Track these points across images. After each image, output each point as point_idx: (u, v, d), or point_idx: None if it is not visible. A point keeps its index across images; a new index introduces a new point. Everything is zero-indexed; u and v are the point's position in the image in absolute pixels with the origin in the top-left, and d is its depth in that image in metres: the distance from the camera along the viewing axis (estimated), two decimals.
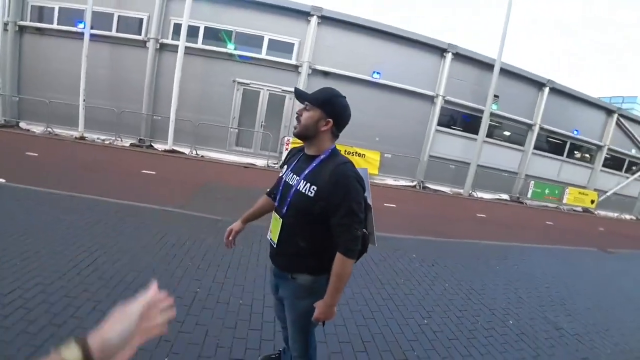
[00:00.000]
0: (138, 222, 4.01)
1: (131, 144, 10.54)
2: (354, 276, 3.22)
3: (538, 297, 3.59)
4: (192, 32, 10.47)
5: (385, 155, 11.67)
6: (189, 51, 10.33)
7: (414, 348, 2.33)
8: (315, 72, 11.13)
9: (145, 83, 10.69)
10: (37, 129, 10.70)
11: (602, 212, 17.18)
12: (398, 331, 2.47)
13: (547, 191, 15.25)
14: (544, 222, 10.30)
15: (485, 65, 12.82)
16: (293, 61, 11.09)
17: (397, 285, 3.32)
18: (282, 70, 11.10)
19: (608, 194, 17.89)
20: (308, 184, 1.33)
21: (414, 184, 12.18)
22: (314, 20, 10.83)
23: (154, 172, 7.48)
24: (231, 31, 10.85)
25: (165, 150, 10.32)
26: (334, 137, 1.42)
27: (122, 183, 6.28)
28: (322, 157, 1.38)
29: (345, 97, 1.44)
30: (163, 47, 10.77)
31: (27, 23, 10.88)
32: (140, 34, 10.71)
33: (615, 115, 16.82)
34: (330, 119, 1.37)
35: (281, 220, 1.41)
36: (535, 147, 15.20)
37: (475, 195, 12.95)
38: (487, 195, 13.47)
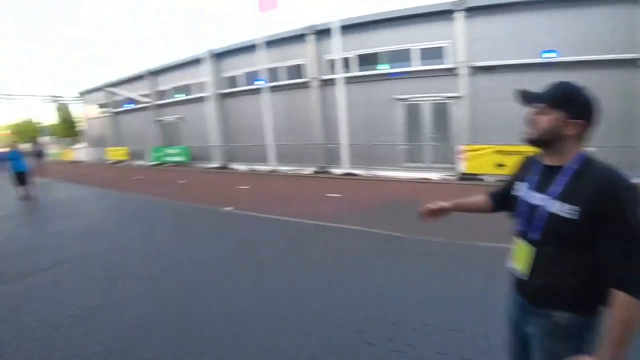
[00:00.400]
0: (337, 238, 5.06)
1: (314, 172, 12.33)
2: None
3: None
4: (346, 63, 11.59)
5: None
6: (347, 81, 11.47)
7: None
8: (476, 69, 10.57)
9: (316, 117, 12.42)
10: (242, 167, 13.87)
11: None
12: None
13: None
14: None
15: None
16: (448, 64, 10.85)
17: None
18: (439, 76, 11.01)
19: None
20: (566, 205, 1.07)
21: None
22: (459, 15, 10.34)
23: (339, 195, 8.31)
24: (379, 52, 11.49)
25: (342, 174, 11.66)
26: (581, 141, 1.15)
27: (312, 205, 7.23)
28: (573, 167, 1.12)
29: (586, 88, 1.15)
30: (325, 83, 12.28)
31: (225, 90, 14.23)
32: (302, 77, 12.56)
33: None
34: (580, 120, 1.11)
35: (534, 248, 1.17)
36: None
37: None
38: None
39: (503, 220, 1.51)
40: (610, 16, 10.15)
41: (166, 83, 17.99)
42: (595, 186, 1.01)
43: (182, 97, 17.04)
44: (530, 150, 1.28)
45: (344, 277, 3.54)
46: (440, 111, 11.18)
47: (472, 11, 10.46)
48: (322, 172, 12.19)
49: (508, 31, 10.47)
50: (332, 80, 11.93)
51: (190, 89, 16.51)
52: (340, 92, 11.38)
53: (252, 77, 13.60)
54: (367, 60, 11.82)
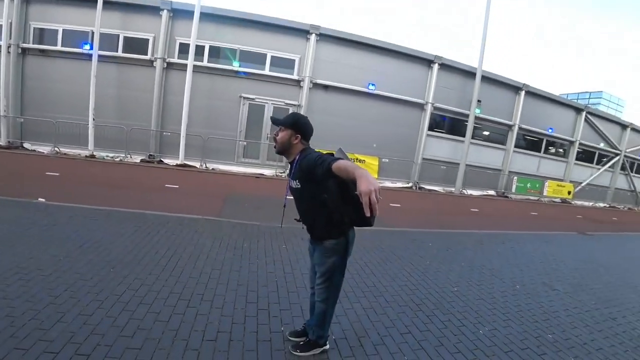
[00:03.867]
0: (193, 230, 4.84)
1: (142, 160, 11.65)
2: (396, 259, 4.73)
3: (535, 270, 5.22)
4: (198, 51, 11.77)
5: (383, 160, 13.41)
6: (195, 69, 11.64)
7: (451, 305, 3.79)
8: (316, 85, 12.75)
9: (153, 101, 11.86)
10: (44, 149, 11.56)
11: (579, 202, 19.85)
12: (437, 289, 3.93)
13: (529, 185, 17.66)
14: (529, 213, 12.38)
15: (468, 73, 14.99)
16: (295, 76, 12.67)
17: (427, 265, 4.87)
18: (285, 85, 12.67)
19: (582, 184, 20.64)
20: (295, 181, 2.00)
21: (410, 185, 14.02)
22: (312, 37, 12.48)
23: (177, 186, 8.65)
24: (235, 49, 12.26)
25: (177, 165, 11.52)
26: (303, 145, 2.04)
27: (157, 197, 7.19)
28: (296, 158, 2.00)
29: (306, 117, 2.09)
30: (170, 66, 12.01)
31: (30, 45, 11.74)
32: (147, 54, 11.87)
33: (584, 113, 19.60)
34: (298, 134, 2.02)
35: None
36: (516, 146, 17.54)
37: (466, 193, 14.99)
38: (476, 192, 15.58)
39: None
40: (412, 70, 14.34)
41: None
42: (303, 164, 1.92)
43: None
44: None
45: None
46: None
47: (323, 36, 12.81)
48: (152, 162, 11.68)
49: (346, 61, 13.24)
50: (179, 65, 11.81)
51: None
52: (188, 80, 11.40)
53: (75, 37, 11.78)
54: (220, 54, 12.33)
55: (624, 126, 22.58)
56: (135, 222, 4.88)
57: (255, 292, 3.17)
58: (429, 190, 14.35)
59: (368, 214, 1.37)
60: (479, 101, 14.69)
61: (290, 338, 2.44)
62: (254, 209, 7.02)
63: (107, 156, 11.63)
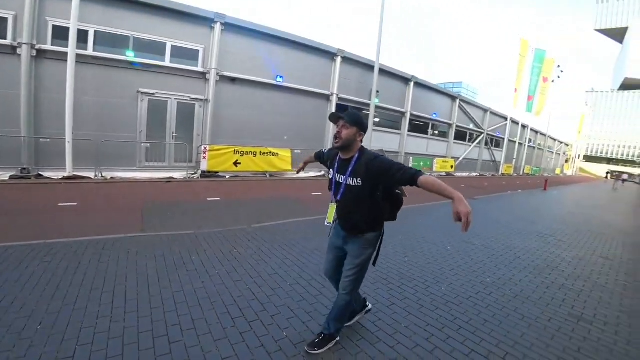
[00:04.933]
0: (124, 251, 4.12)
1: (11, 177, 9.31)
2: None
3: (457, 232, 6.38)
4: (80, 37, 10.25)
5: (296, 151, 14.01)
6: (79, 59, 10.12)
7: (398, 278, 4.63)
8: (223, 78, 12.45)
9: (22, 99, 9.93)
10: None
11: (458, 174, 24.07)
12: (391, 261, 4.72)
13: (422, 164, 20.60)
14: None
15: (367, 66, 16.52)
16: (199, 68, 12.11)
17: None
18: (189, 77, 12.04)
19: (460, 159, 25.11)
20: (354, 179, 2.09)
21: (322, 173, 15.04)
22: (217, 27, 12.05)
23: (74, 203, 7.04)
24: (128, 36, 11.05)
25: (64, 178, 9.64)
26: (361, 143, 2.19)
27: (54, 220, 5.73)
28: (356, 157, 2.12)
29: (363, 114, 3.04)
30: (41, 55, 10.18)
31: None
32: (5, 38, 9.84)
33: (458, 100, 23.54)
34: (362, 132, 2.16)
35: (337, 205, 2.25)
36: (408, 130, 20.16)
37: None
38: None
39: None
40: (318, 62, 15.10)
41: None
42: (367, 163, 2.05)
43: None
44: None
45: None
46: (187, 111, 12.26)
47: (229, 26, 12.45)
48: (26, 177, 9.51)
49: (253, 53, 13.18)
50: (54, 53, 10.08)
51: None
52: (70, 72, 9.83)
53: None
54: (110, 41, 10.93)
55: (484, 110, 27.92)
56: (40, 256, 3.76)
57: (235, 305, 3.00)
58: None
59: (465, 232, 1.66)
60: (377, 91, 16.38)
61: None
62: (180, 216, 6.70)
63: None
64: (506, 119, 30.26)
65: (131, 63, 11.14)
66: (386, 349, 2.52)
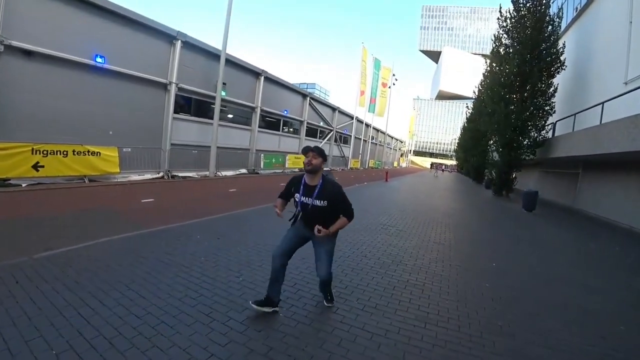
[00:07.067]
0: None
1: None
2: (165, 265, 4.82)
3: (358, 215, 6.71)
4: None
5: (124, 149, 12.26)
6: None
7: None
8: (11, 49, 9.79)
9: None
10: None
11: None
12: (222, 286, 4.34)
13: (273, 160, 21.25)
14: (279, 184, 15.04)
15: (213, 55, 15.89)
16: None
17: (203, 262, 4.52)
18: None
19: None
20: (320, 201, 3.00)
21: (160, 174, 13.73)
22: None
23: None
24: None
25: None
26: (322, 170, 3.12)
27: None
28: (320, 183, 3.04)
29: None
30: None
31: None
32: None
33: (308, 98, 25.28)
34: (325, 162, 3.08)
35: (309, 217, 3.12)
36: (259, 126, 20.48)
37: (221, 174, 16.34)
38: (229, 173, 17.26)
39: None
40: (152, 45, 13.56)
41: None
42: (330, 191, 3.02)
43: None
44: None
45: None
46: None
47: None
48: None
49: (62, 21, 10.84)
50: None
51: None
52: None
53: None
54: None
55: (333, 109, 30.92)
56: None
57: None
58: (183, 177, 14.58)
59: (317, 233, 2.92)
60: (224, 84, 15.94)
61: (255, 306, 3.19)
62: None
63: None
64: (352, 117, 34.37)
65: None
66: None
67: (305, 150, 3.07)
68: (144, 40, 13.32)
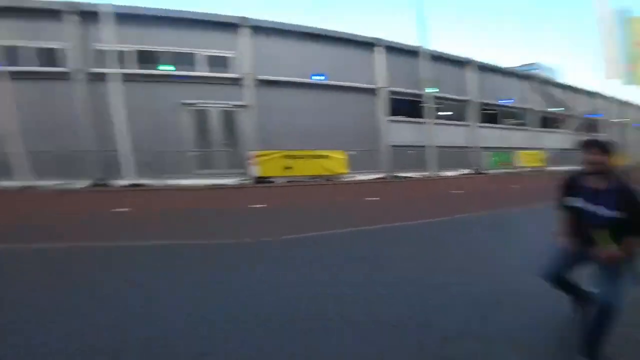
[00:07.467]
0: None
1: (92, 185, 10.40)
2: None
3: None
4: (123, 57, 11.11)
5: (350, 152, 13.05)
6: (124, 78, 10.85)
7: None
8: (260, 82, 12.39)
9: (84, 118, 10.83)
10: None
11: (553, 168, 20.39)
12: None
13: (498, 158, 18.12)
14: (510, 187, 12.35)
15: (414, 54, 15.41)
16: (233, 74, 12.25)
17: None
18: (225, 85, 12.32)
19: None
20: (610, 210, 2.14)
21: (384, 175, 13.73)
22: (244, 31, 12.31)
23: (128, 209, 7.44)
24: (164, 52, 11.71)
25: (126, 186, 10.45)
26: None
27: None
28: (614, 186, 2.18)
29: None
30: (95, 77, 10.99)
31: None
32: (62, 66, 10.92)
33: (536, 81, 21.02)
34: (612, 157, 2.24)
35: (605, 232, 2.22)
36: (480, 120, 18.18)
37: (442, 175, 14.96)
38: (450, 173, 15.60)
39: None
40: (358, 56, 14.62)
41: None
42: (628, 200, 2.10)
43: None
44: None
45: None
46: (229, 118, 12.44)
47: (256, 29, 12.74)
48: (100, 185, 10.49)
49: (289, 53, 13.24)
50: (104, 75, 10.87)
51: None
52: (116, 90, 10.62)
53: None
54: (148, 58, 11.72)
55: (570, 89, 24.65)
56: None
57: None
58: (404, 177, 14.12)
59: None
60: (432, 80, 15.09)
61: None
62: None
63: (50, 185, 10.06)
64: (600, 96, 26.00)
65: (171, 76, 11.68)
66: None
67: (586, 145, 2.29)
68: (348, 52, 14.46)
